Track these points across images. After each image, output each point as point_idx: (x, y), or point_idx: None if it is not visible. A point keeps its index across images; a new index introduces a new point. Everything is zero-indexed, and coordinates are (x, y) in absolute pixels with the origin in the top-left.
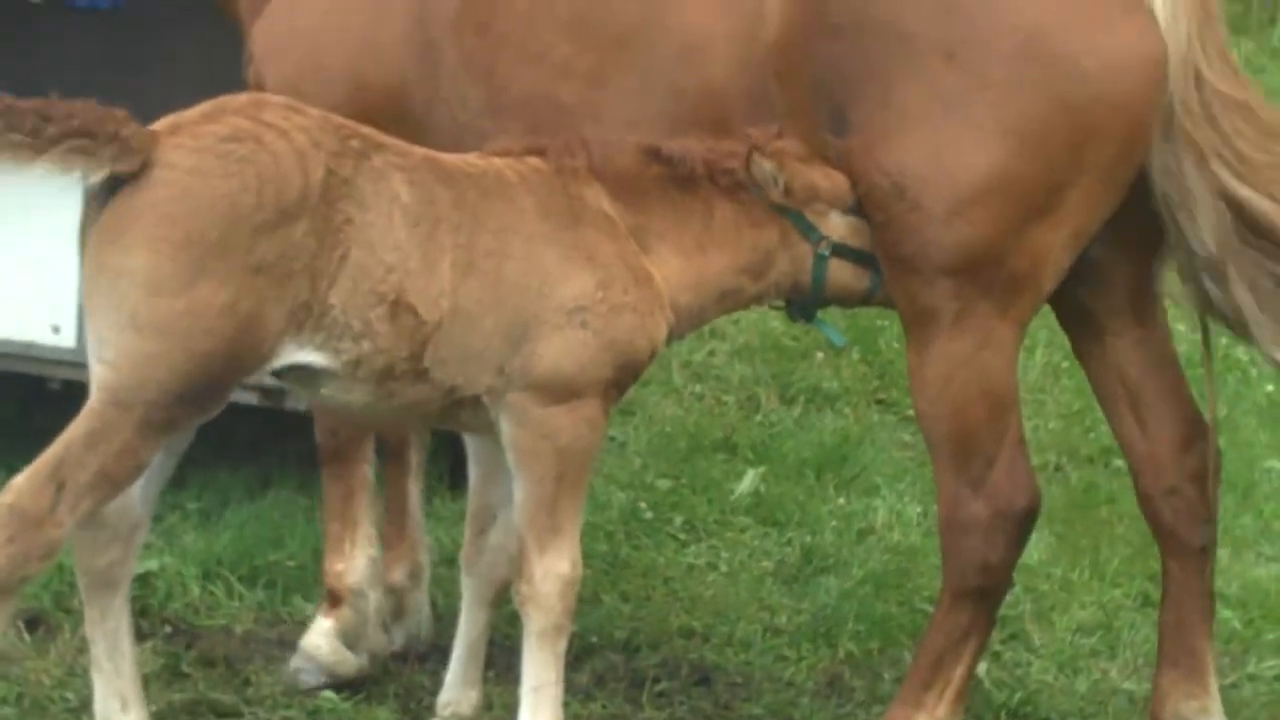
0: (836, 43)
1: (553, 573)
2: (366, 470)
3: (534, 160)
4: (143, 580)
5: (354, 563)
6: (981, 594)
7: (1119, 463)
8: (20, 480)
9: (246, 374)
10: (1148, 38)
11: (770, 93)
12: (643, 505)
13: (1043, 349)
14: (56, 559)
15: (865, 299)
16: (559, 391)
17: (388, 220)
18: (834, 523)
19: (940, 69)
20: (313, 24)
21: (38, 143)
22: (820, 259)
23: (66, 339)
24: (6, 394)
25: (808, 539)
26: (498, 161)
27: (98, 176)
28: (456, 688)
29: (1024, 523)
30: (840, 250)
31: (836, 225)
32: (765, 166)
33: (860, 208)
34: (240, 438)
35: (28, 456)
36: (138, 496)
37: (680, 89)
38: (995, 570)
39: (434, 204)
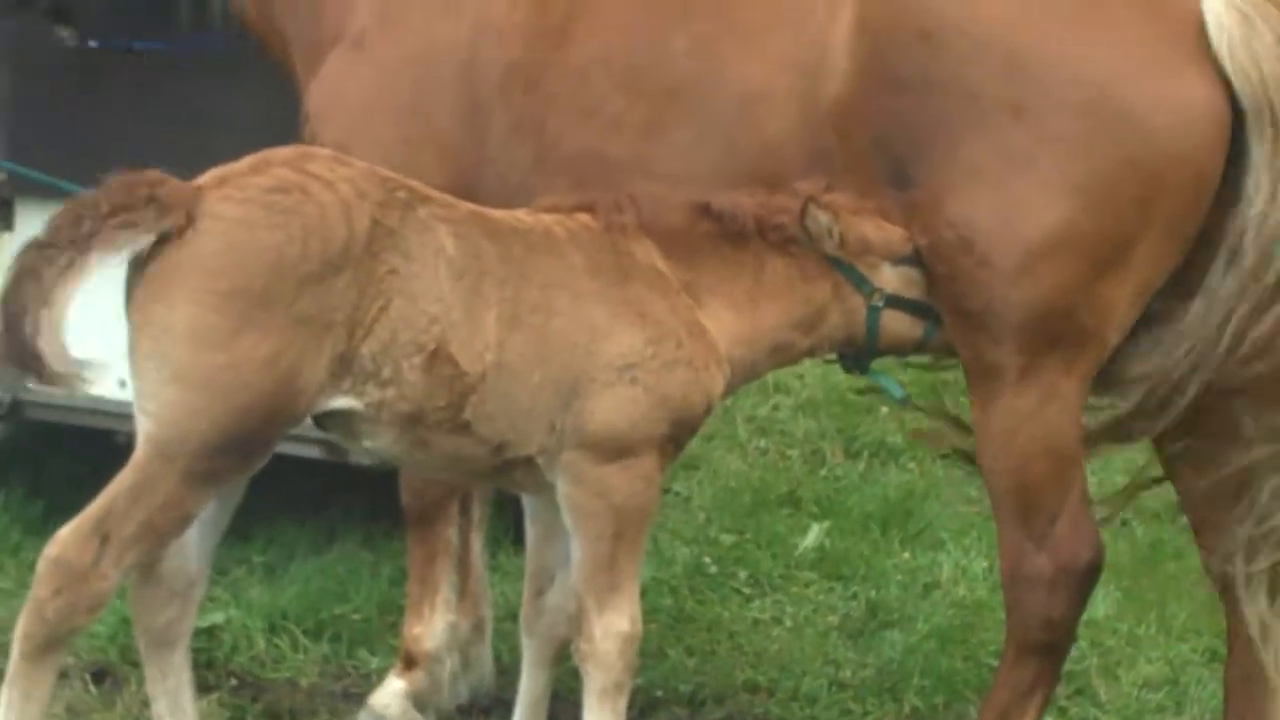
0: (900, 98)
1: (612, 630)
2: (450, 534)
3: (583, 217)
4: (208, 633)
5: (432, 627)
6: (1046, 649)
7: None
8: (65, 533)
9: (288, 426)
10: (1213, 90)
11: (829, 148)
12: (707, 560)
13: None
14: (103, 611)
15: (919, 347)
16: (612, 449)
17: (433, 272)
18: (899, 577)
19: (1007, 125)
20: (363, 86)
21: (80, 247)
22: (874, 311)
23: (132, 393)
24: (74, 448)
25: (873, 593)
26: (546, 218)
27: (145, 243)
28: None
29: (1088, 578)
30: (893, 301)
31: (889, 277)
32: (821, 219)
33: (913, 258)
34: (305, 492)
35: None
36: (194, 553)
37: (736, 144)
38: (1059, 625)
39: (479, 257)
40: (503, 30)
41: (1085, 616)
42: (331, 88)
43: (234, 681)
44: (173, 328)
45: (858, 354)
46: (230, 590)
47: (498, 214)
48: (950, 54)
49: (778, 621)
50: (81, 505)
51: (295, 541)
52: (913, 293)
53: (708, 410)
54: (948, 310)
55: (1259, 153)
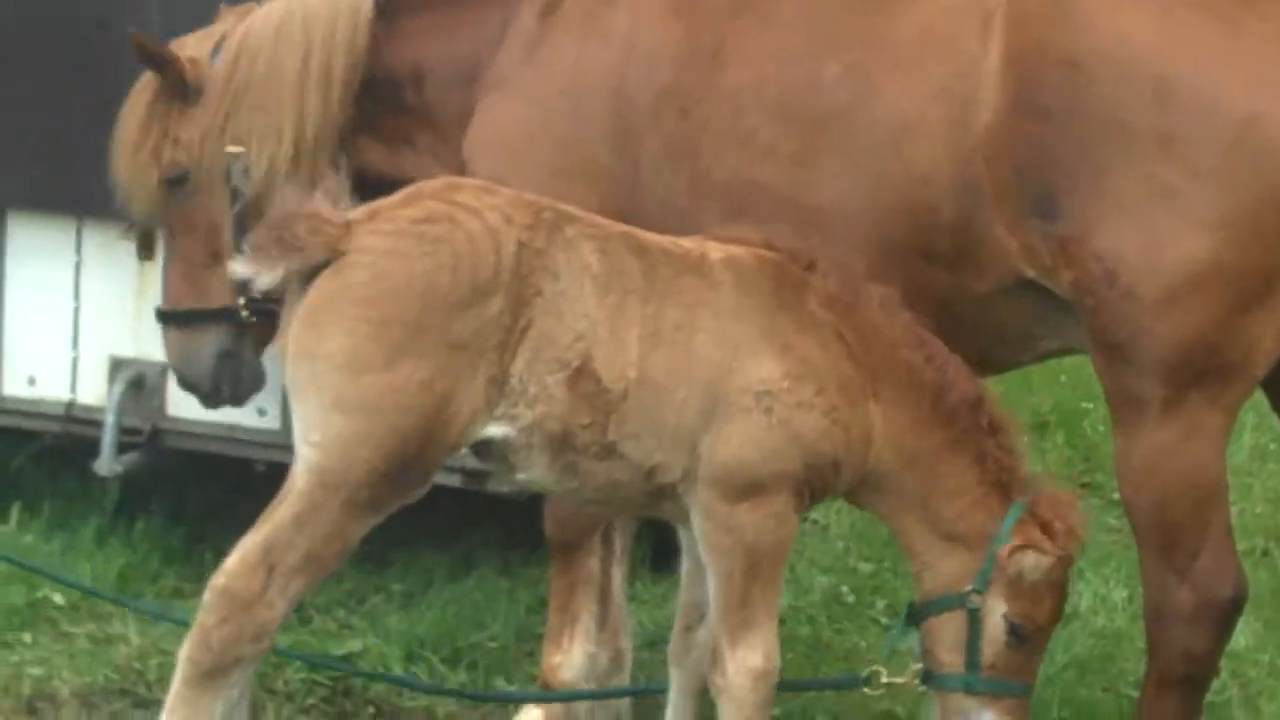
0: (1048, 127)
1: (745, 666)
2: (592, 565)
3: (760, 251)
4: (346, 661)
5: (571, 658)
6: (1187, 683)
7: None
8: (232, 563)
9: (447, 452)
10: None
11: (979, 178)
12: (845, 589)
13: (1250, 431)
14: (269, 641)
15: (929, 670)
16: (743, 484)
17: (578, 289)
18: None
19: (1154, 156)
20: (514, 123)
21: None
22: (954, 599)
23: (271, 421)
24: (213, 476)
25: None
26: (709, 243)
27: (298, 271)
28: None
29: (1230, 612)
30: (972, 620)
31: (993, 612)
32: (1028, 561)
33: (1021, 640)
34: (443, 520)
35: (233, 539)
36: None
37: (887, 173)
38: (1200, 660)
39: (624, 275)
40: (653, 56)
41: (1226, 648)
42: (482, 129)
43: (371, 710)
44: (330, 357)
45: (910, 609)
46: (367, 618)
47: (649, 235)
48: (1098, 82)
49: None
50: (220, 533)
51: (433, 569)
52: (984, 651)
53: (835, 468)
54: (1093, 343)
55: None
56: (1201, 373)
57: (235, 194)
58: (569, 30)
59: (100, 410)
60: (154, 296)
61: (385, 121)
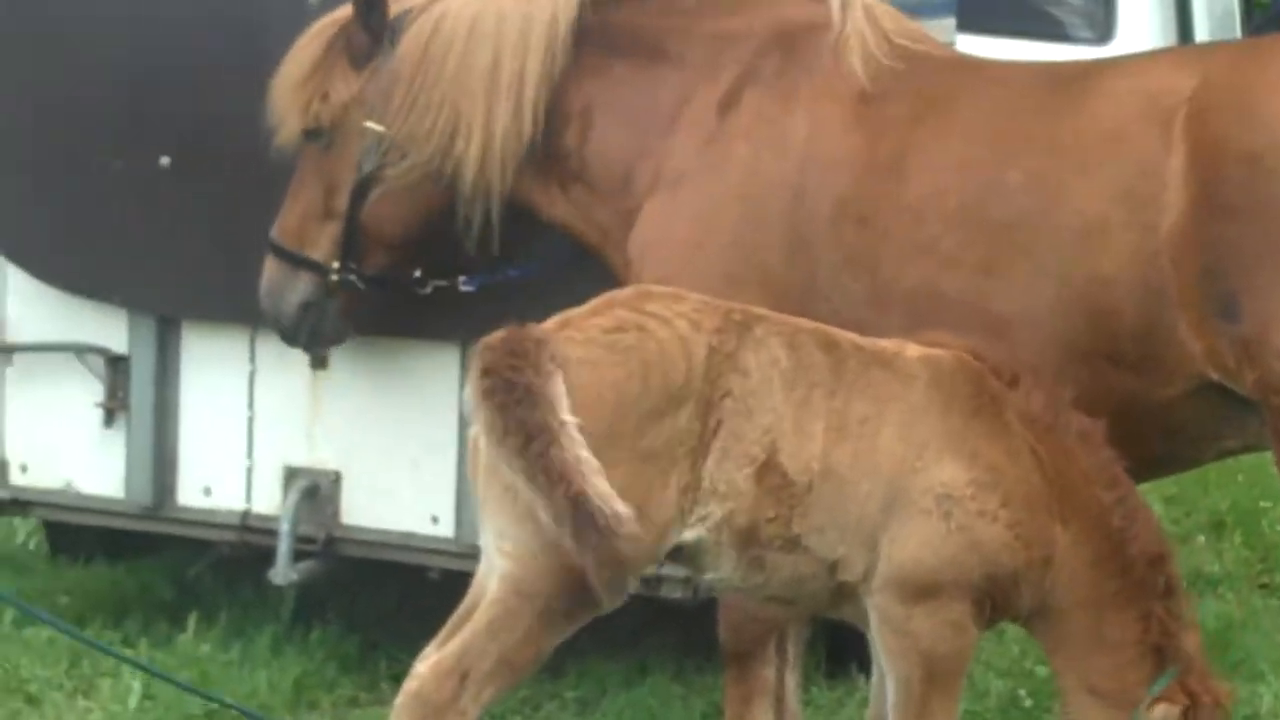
0: (1229, 225)
1: None
2: (768, 674)
3: (962, 355)
4: None
5: None
6: None
7: None
8: (425, 669)
9: (644, 564)
10: None
11: (1164, 279)
12: (1022, 693)
13: None
14: None
15: None
16: (919, 587)
17: (767, 386)
18: None
19: None
20: (685, 225)
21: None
22: None
23: (445, 529)
24: (386, 584)
25: None
26: (910, 344)
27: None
28: None
29: None
30: None
31: None
32: (1157, 714)
33: None
34: (617, 627)
35: (408, 647)
36: None
37: (1072, 278)
38: None
39: (811, 369)
40: (832, 164)
41: None
42: (650, 230)
43: None
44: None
45: None
46: None
47: (841, 331)
48: (1277, 177)
49: None
50: (394, 641)
51: (607, 676)
52: None
53: (1016, 584)
54: (1278, 442)
55: None
56: None
57: (360, 169)
58: (745, 132)
59: (275, 519)
60: (328, 407)
61: (546, 156)
